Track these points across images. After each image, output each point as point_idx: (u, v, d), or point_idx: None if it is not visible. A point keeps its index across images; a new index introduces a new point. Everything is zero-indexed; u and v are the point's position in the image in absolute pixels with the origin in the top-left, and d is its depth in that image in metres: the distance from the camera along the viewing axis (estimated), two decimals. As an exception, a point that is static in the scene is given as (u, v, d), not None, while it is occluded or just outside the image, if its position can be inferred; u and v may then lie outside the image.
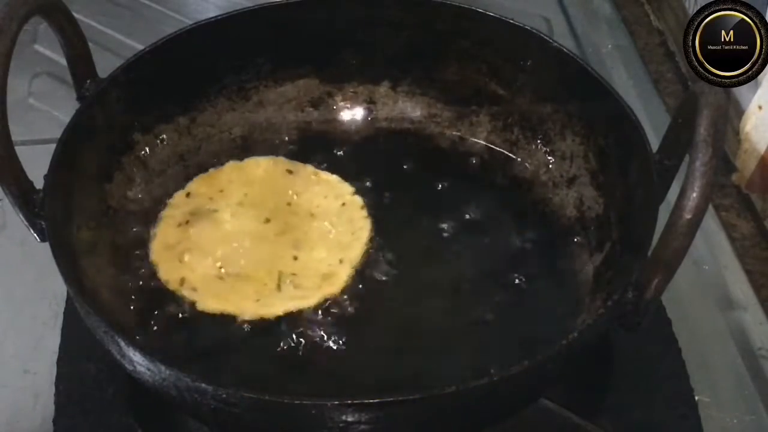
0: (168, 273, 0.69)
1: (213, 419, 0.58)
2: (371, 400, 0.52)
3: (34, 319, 0.74)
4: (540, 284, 0.69)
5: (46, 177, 0.62)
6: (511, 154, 0.78)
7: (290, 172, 0.76)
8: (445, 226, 0.73)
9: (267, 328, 0.66)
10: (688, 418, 0.67)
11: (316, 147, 0.79)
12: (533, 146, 0.77)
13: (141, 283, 0.68)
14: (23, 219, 0.61)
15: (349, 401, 0.51)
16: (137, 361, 0.54)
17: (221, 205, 0.73)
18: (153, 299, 0.67)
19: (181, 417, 0.65)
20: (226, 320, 0.66)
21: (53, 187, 0.62)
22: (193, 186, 0.75)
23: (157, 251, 0.70)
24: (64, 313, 0.72)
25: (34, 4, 0.61)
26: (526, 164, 0.77)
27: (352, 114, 0.81)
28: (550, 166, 0.76)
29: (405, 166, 0.78)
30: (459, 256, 0.71)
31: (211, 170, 0.76)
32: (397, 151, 0.79)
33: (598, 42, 1.05)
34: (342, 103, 0.81)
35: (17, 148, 0.59)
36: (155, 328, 0.66)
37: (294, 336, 0.65)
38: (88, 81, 0.69)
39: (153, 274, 0.69)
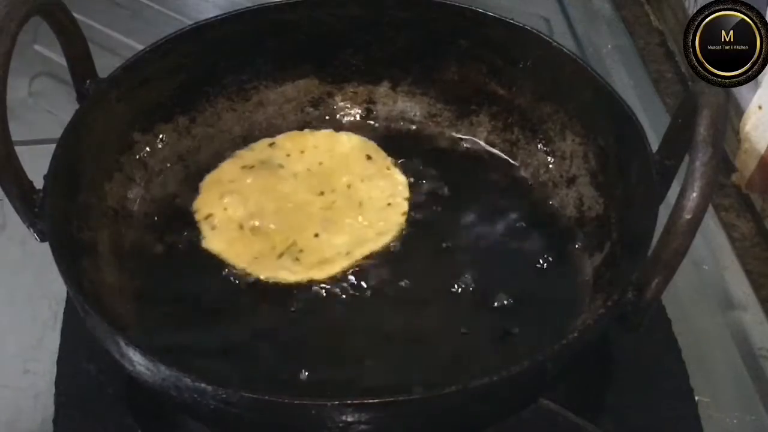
0: (202, 203, 0.73)
1: (213, 419, 0.58)
2: (371, 400, 0.52)
3: (34, 319, 0.74)
4: (539, 284, 0.69)
5: (46, 177, 0.62)
6: (510, 154, 0.78)
7: (369, 157, 0.77)
8: (444, 226, 0.73)
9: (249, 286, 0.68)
10: (688, 418, 0.67)
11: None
12: (533, 146, 0.77)
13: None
14: (23, 219, 0.61)
15: (349, 401, 0.51)
16: (137, 360, 0.54)
17: (293, 164, 0.76)
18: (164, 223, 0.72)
19: (181, 417, 0.65)
20: (220, 265, 0.69)
21: (53, 187, 0.62)
22: (280, 138, 0.78)
23: (208, 180, 0.74)
24: (64, 313, 0.72)
25: (34, 4, 0.61)
26: (526, 164, 0.77)
27: (352, 114, 0.81)
28: (550, 166, 0.76)
29: (404, 166, 0.78)
30: (458, 256, 0.71)
31: (307, 130, 0.79)
32: (396, 151, 0.79)
33: (598, 42, 1.05)
34: (342, 103, 0.81)
35: (17, 148, 0.59)
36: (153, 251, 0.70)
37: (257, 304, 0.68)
38: (88, 81, 0.69)
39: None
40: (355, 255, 0.70)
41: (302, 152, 0.77)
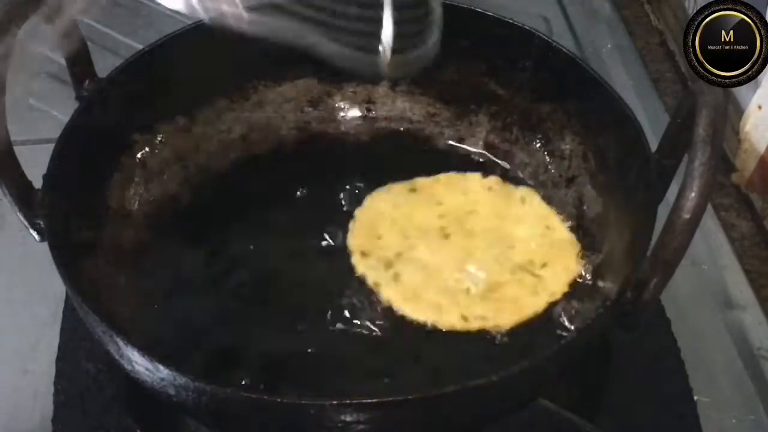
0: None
1: (212, 419, 0.58)
2: (371, 400, 0.52)
3: (33, 319, 0.74)
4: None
5: (45, 177, 0.62)
6: (510, 154, 0.78)
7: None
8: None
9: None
10: (688, 418, 0.67)
11: (315, 147, 0.79)
12: (532, 146, 0.77)
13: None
14: (22, 219, 0.61)
15: (349, 401, 0.51)
16: (136, 360, 0.54)
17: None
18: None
19: (180, 417, 0.65)
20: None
21: (52, 187, 0.62)
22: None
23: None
24: (63, 312, 0.72)
25: (33, 4, 0.61)
26: (526, 164, 0.77)
27: (351, 114, 0.81)
28: (550, 166, 0.76)
29: (403, 166, 0.78)
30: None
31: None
32: (396, 151, 0.79)
33: (597, 42, 1.05)
34: (341, 103, 0.81)
35: (16, 148, 0.60)
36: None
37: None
38: (88, 81, 0.69)
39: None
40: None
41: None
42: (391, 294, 0.68)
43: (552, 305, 0.67)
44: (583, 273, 0.69)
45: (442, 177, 0.76)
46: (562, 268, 0.69)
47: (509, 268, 0.69)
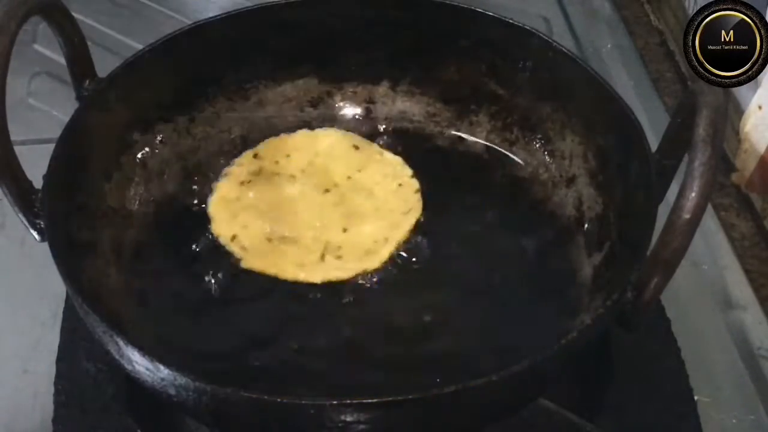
0: (221, 227, 0.72)
1: (212, 419, 0.58)
2: (371, 400, 0.52)
3: (33, 319, 0.74)
4: (539, 284, 0.69)
5: (45, 177, 0.62)
6: (510, 154, 0.78)
7: (356, 147, 0.78)
8: (443, 225, 0.73)
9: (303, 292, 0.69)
10: (688, 418, 0.67)
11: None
12: (532, 146, 0.77)
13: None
14: (22, 219, 0.61)
15: (349, 401, 0.51)
16: (136, 360, 0.54)
17: (285, 169, 0.76)
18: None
19: (181, 417, 0.65)
20: (268, 280, 0.69)
21: (52, 186, 0.62)
22: (261, 147, 0.78)
23: (215, 205, 0.74)
24: (63, 312, 0.72)
25: (33, 3, 0.61)
26: (526, 164, 0.77)
27: (352, 114, 0.81)
28: (550, 165, 0.76)
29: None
30: (457, 256, 0.71)
31: (283, 135, 0.79)
32: (396, 151, 0.79)
33: (597, 42, 1.05)
34: (341, 103, 0.81)
35: (17, 148, 0.59)
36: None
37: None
38: (88, 81, 0.69)
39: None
40: (395, 238, 0.71)
41: (288, 156, 0.77)
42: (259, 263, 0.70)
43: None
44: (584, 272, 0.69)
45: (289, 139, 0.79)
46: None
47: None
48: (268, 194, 0.74)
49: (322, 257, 0.70)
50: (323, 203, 0.74)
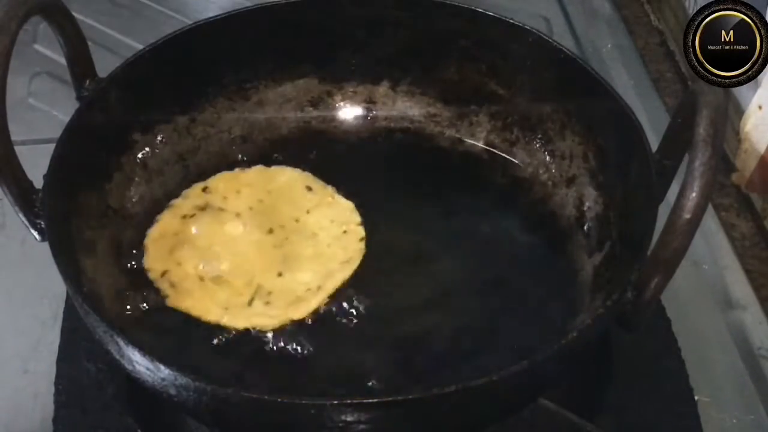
0: (153, 261, 0.69)
1: (212, 419, 0.58)
2: (371, 400, 0.52)
3: (33, 319, 0.74)
4: (539, 284, 0.69)
5: (45, 177, 0.62)
6: (510, 154, 0.78)
7: (309, 189, 0.75)
8: (443, 225, 0.73)
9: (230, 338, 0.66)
10: (688, 418, 0.67)
11: (315, 147, 0.79)
12: (533, 146, 0.77)
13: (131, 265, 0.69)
14: (23, 218, 0.61)
15: (349, 401, 0.51)
16: (136, 360, 0.54)
17: (232, 205, 0.73)
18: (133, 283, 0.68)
19: (181, 417, 0.65)
20: (191, 321, 0.66)
21: (53, 186, 0.62)
22: (212, 181, 0.75)
23: (151, 237, 0.71)
24: (63, 312, 0.72)
25: (33, 3, 0.61)
26: (526, 164, 0.77)
27: (352, 114, 0.81)
28: (550, 165, 0.76)
29: (404, 166, 0.78)
30: (457, 256, 0.71)
31: (237, 169, 0.76)
32: (396, 151, 0.79)
33: (597, 42, 1.05)
34: (341, 103, 0.81)
35: (17, 148, 0.59)
36: (128, 312, 0.66)
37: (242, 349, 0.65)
38: (88, 81, 0.69)
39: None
40: (327, 288, 0.68)
41: (238, 192, 0.74)
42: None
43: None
44: (584, 272, 0.69)
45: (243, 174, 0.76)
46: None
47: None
48: (209, 230, 0.71)
49: (251, 302, 0.67)
50: (264, 244, 0.71)
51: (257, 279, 0.69)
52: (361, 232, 0.73)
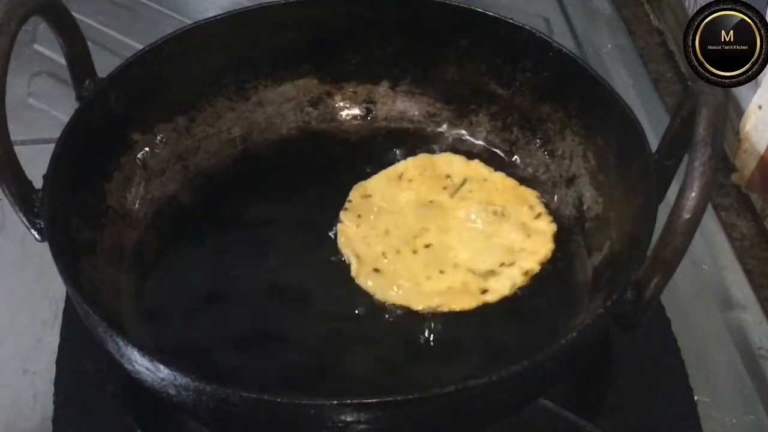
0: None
1: (212, 419, 0.58)
2: (371, 400, 0.52)
3: (33, 319, 0.74)
4: (539, 284, 0.69)
5: (45, 177, 0.62)
6: (510, 154, 0.78)
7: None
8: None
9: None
10: (688, 418, 0.67)
11: (315, 147, 0.79)
12: (532, 146, 0.77)
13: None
14: (22, 219, 0.61)
15: (349, 401, 0.51)
16: (136, 360, 0.54)
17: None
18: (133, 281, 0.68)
19: (181, 417, 0.65)
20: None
21: (52, 186, 0.62)
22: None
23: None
24: (63, 312, 0.72)
25: (33, 4, 0.61)
26: (526, 164, 0.77)
27: (352, 114, 0.81)
28: (550, 165, 0.76)
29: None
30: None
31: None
32: (396, 151, 0.79)
33: (597, 42, 1.05)
34: (341, 103, 0.81)
35: (16, 148, 0.59)
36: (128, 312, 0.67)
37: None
38: (88, 81, 0.69)
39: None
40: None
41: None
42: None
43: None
44: (584, 272, 0.69)
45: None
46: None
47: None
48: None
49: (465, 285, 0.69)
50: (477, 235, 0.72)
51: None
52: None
